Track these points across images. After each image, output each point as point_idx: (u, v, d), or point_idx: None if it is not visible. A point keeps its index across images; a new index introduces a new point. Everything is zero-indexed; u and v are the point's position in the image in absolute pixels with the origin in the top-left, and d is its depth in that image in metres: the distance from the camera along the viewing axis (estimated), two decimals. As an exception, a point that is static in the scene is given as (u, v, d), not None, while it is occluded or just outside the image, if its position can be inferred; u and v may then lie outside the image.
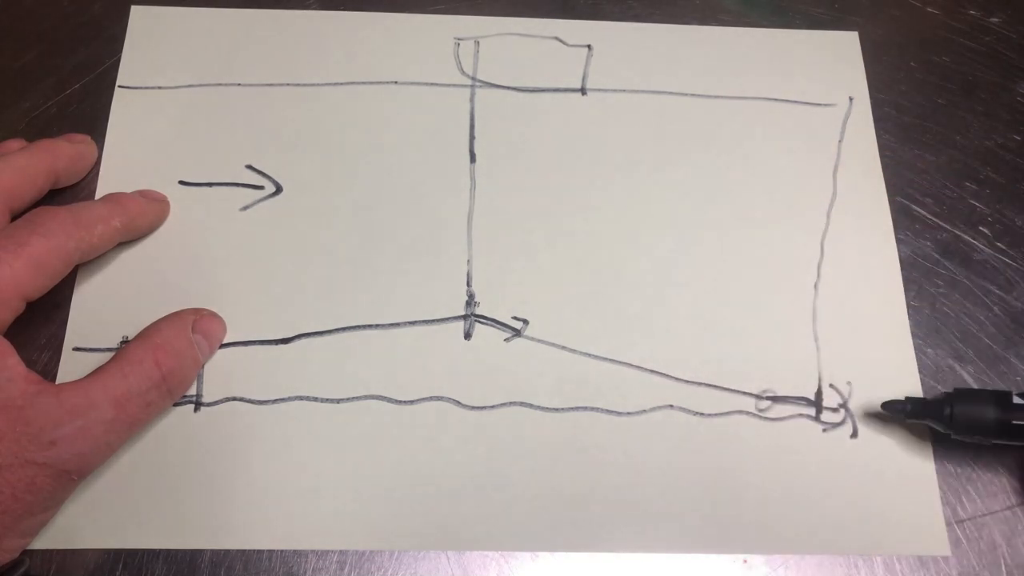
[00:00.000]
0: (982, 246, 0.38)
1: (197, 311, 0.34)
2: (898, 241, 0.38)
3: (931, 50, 0.42)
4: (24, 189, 0.34)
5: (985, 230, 0.38)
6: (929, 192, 0.39)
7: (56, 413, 0.28)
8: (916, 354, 0.36)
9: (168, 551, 0.31)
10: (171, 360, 0.31)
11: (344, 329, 0.35)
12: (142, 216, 0.36)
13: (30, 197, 0.34)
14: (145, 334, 0.32)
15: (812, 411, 0.35)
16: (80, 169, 0.37)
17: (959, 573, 0.32)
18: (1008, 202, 0.39)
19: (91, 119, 0.39)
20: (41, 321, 0.34)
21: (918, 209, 0.39)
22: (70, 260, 0.32)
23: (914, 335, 0.36)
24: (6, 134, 0.38)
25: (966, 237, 0.38)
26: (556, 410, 0.34)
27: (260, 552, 0.31)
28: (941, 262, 0.37)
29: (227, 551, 0.31)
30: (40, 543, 0.31)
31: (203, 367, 0.34)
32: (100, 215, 0.33)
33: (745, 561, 0.32)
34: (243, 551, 0.31)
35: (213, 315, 0.34)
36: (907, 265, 0.37)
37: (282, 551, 0.32)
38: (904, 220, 0.38)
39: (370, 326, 0.35)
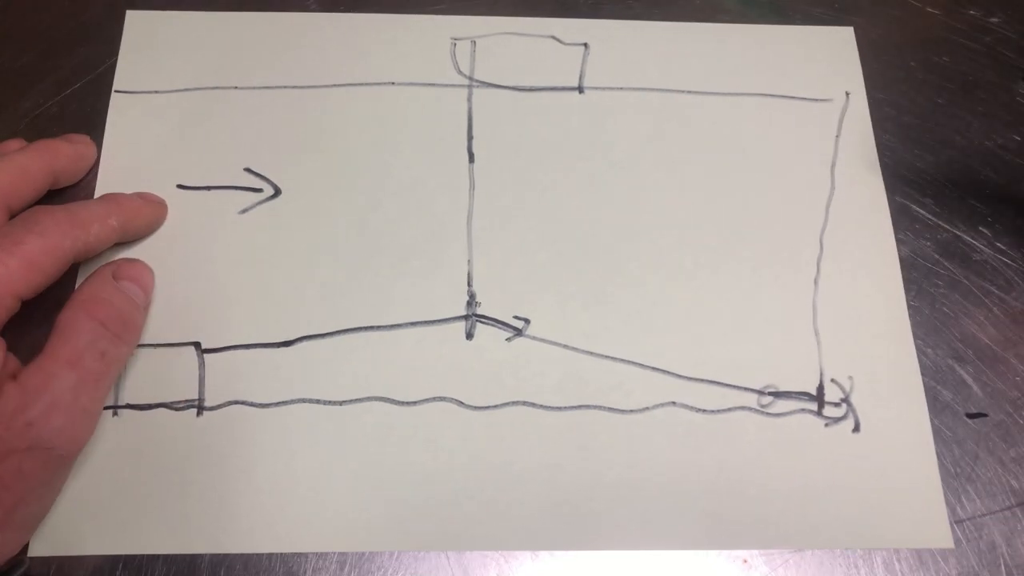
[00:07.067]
0: (982, 246, 0.38)
1: (114, 261, 0.34)
2: (898, 241, 0.38)
3: (930, 50, 0.42)
4: (23, 189, 0.34)
5: (985, 230, 0.38)
6: (929, 192, 0.39)
7: (21, 397, 0.28)
8: (916, 354, 0.36)
9: (167, 553, 0.31)
10: (102, 308, 0.31)
11: (345, 331, 0.35)
12: (139, 216, 0.36)
13: (29, 197, 0.34)
14: (70, 298, 0.32)
15: (814, 406, 0.35)
16: (79, 169, 0.37)
17: (959, 573, 0.32)
18: (1008, 202, 0.39)
19: (90, 119, 0.39)
20: (40, 321, 0.34)
21: (918, 209, 0.39)
22: (66, 259, 0.32)
23: (914, 335, 0.36)
24: (6, 134, 0.37)
25: (966, 237, 0.38)
26: (558, 409, 0.34)
27: (260, 554, 0.31)
28: (941, 262, 0.38)
29: (227, 553, 0.31)
30: (41, 549, 0.31)
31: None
32: (97, 214, 0.33)
33: (745, 561, 0.32)
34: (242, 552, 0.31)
35: (131, 260, 0.35)
36: (907, 265, 0.37)
37: (282, 553, 0.32)
38: (904, 220, 0.38)
39: (371, 327, 0.35)
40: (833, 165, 0.39)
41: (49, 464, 0.29)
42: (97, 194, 0.37)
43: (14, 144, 0.36)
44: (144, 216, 0.36)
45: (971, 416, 0.35)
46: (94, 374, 0.30)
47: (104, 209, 0.34)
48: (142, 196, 0.36)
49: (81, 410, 0.30)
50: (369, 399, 0.34)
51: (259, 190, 0.38)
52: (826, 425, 0.35)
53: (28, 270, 0.30)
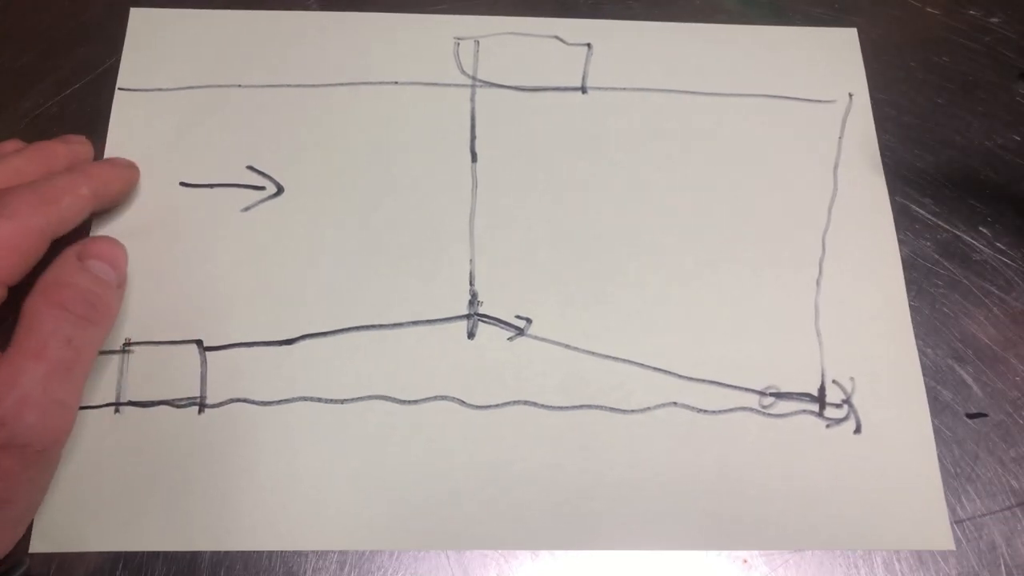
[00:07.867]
0: (982, 246, 0.38)
1: (80, 241, 0.32)
2: (898, 241, 0.38)
3: (931, 50, 0.42)
4: None
5: (985, 230, 0.38)
6: (929, 192, 0.39)
7: None
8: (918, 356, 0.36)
9: (168, 550, 0.31)
10: (63, 291, 0.30)
11: (347, 330, 0.35)
12: (111, 182, 0.35)
13: None
14: (33, 286, 0.30)
15: (815, 407, 0.35)
16: None
17: (959, 573, 0.32)
18: (1008, 202, 0.39)
19: (91, 119, 0.39)
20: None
21: (918, 209, 0.39)
22: (42, 237, 0.31)
23: (914, 335, 0.36)
24: (6, 134, 0.37)
25: (966, 237, 0.38)
26: (560, 408, 0.34)
27: (260, 552, 0.31)
28: (941, 262, 0.38)
29: (227, 550, 0.31)
30: (42, 546, 0.31)
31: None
32: (66, 186, 0.32)
33: (745, 561, 0.32)
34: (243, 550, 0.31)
35: (100, 237, 0.33)
36: (907, 265, 0.37)
37: (282, 551, 0.32)
38: (904, 220, 0.38)
39: (373, 326, 0.35)
40: (836, 166, 0.39)
41: (28, 461, 0.28)
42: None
43: (11, 145, 0.36)
44: (116, 181, 0.35)
45: (971, 416, 0.35)
46: (64, 363, 0.29)
47: (72, 180, 0.33)
48: (110, 161, 0.36)
49: (53, 402, 0.28)
50: (370, 398, 0.34)
51: (262, 188, 0.38)
52: (827, 426, 0.35)
53: (5, 254, 0.30)
